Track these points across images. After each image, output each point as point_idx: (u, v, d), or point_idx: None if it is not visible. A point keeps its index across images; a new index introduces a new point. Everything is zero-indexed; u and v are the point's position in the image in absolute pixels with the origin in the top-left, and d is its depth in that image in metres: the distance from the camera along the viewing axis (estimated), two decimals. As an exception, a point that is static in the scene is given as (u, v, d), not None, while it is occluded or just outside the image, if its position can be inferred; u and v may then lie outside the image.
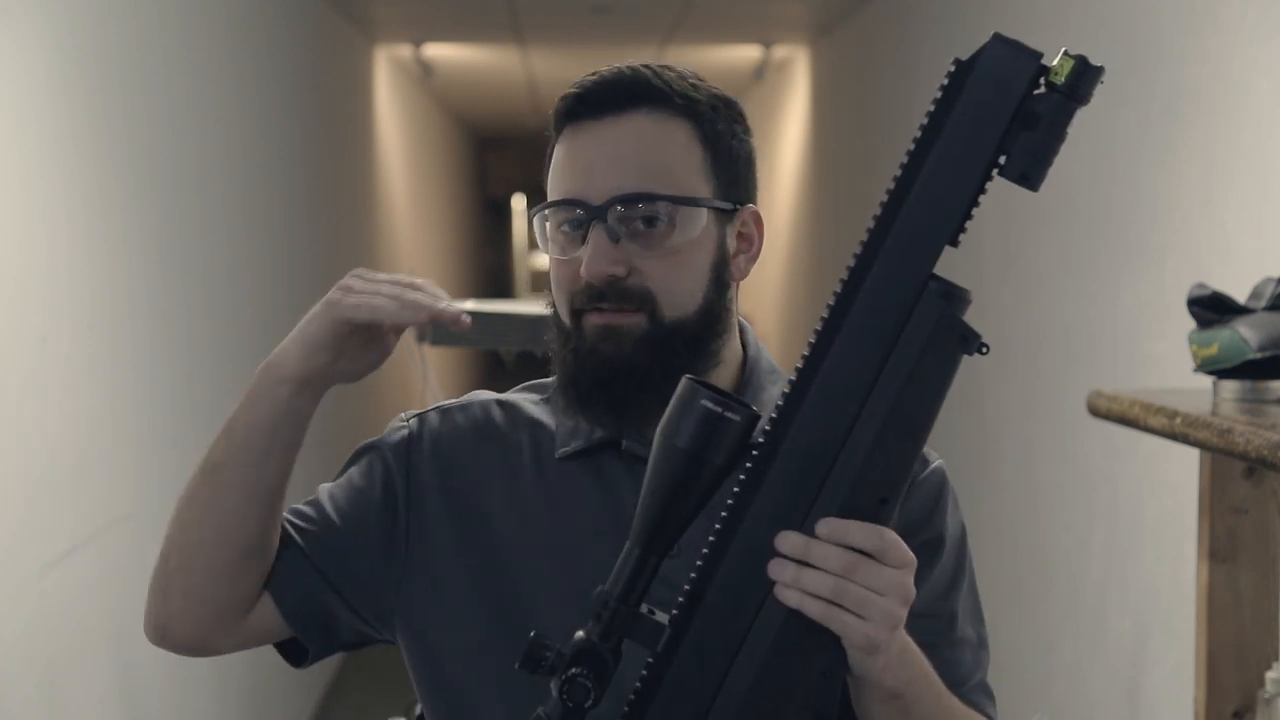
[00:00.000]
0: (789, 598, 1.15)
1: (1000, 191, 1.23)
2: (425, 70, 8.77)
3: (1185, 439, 1.93)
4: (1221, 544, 2.10)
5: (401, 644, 1.48)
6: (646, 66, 1.42)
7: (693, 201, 1.38)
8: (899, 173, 1.15)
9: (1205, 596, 2.10)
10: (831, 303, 1.16)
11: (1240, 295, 2.12)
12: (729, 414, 1.15)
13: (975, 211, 1.15)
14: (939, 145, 1.14)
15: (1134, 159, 3.26)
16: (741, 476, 1.17)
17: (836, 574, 1.14)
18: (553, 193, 1.41)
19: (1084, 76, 1.13)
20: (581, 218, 1.38)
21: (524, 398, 1.51)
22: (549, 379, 1.48)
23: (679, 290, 1.38)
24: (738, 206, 1.42)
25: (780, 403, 1.16)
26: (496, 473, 1.46)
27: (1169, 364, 2.85)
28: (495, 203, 17.01)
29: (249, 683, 4.40)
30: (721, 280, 1.41)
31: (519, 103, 10.64)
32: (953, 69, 1.14)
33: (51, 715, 2.80)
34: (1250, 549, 2.10)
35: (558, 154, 1.42)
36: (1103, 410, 2.19)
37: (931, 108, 1.14)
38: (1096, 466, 3.46)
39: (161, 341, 3.51)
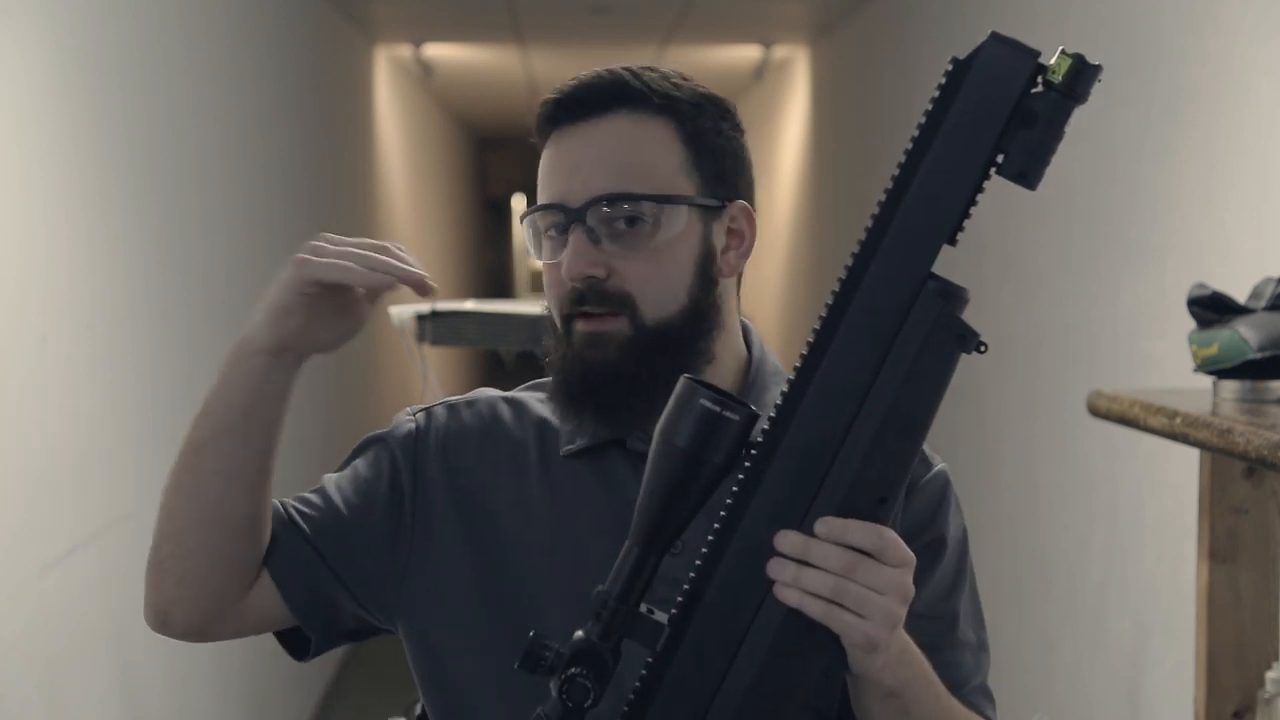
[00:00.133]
0: (788, 597, 1.15)
1: (1000, 191, 1.23)
2: (425, 70, 8.77)
3: (1185, 439, 1.93)
4: (1221, 544, 2.10)
5: (403, 639, 1.47)
6: (626, 68, 1.43)
7: (671, 199, 1.39)
8: (897, 172, 1.15)
9: (1205, 596, 2.10)
10: (830, 302, 1.16)
11: (1240, 295, 2.12)
12: (728, 413, 1.15)
13: (974, 210, 1.15)
14: (937, 144, 1.14)
15: (1134, 159, 3.25)
16: (740, 476, 1.17)
17: (836, 573, 1.14)
18: (539, 198, 1.43)
19: (1081, 75, 1.13)
20: (564, 221, 1.39)
21: (531, 396, 1.51)
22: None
23: (660, 290, 1.38)
24: (724, 203, 1.42)
25: (779, 402, 1.16)
26: (503, 471, 1.46)
27: (1169, 364, 2.85)
28: (495, 203, 17.01)
29: (249, 682, 4.40)
30: (708, 277, 1.41)
31: (519, 103, 10.64)
32: (950, 68, 1.14)
33: (51, 715, 2.80)
34: (1250, 549, 2.10)
35: (543, 159, 1.43)
36: (1103, 410, 2.19)
37: (929, 107, 1.14)
38: (1096, 466, 3.46)
39: (161, 341, 3.51)
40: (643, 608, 1.17)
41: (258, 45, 4.88)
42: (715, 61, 8.60)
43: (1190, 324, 2.14)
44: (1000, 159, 1.14)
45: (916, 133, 1.15)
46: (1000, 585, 4.03)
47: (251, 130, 4.73)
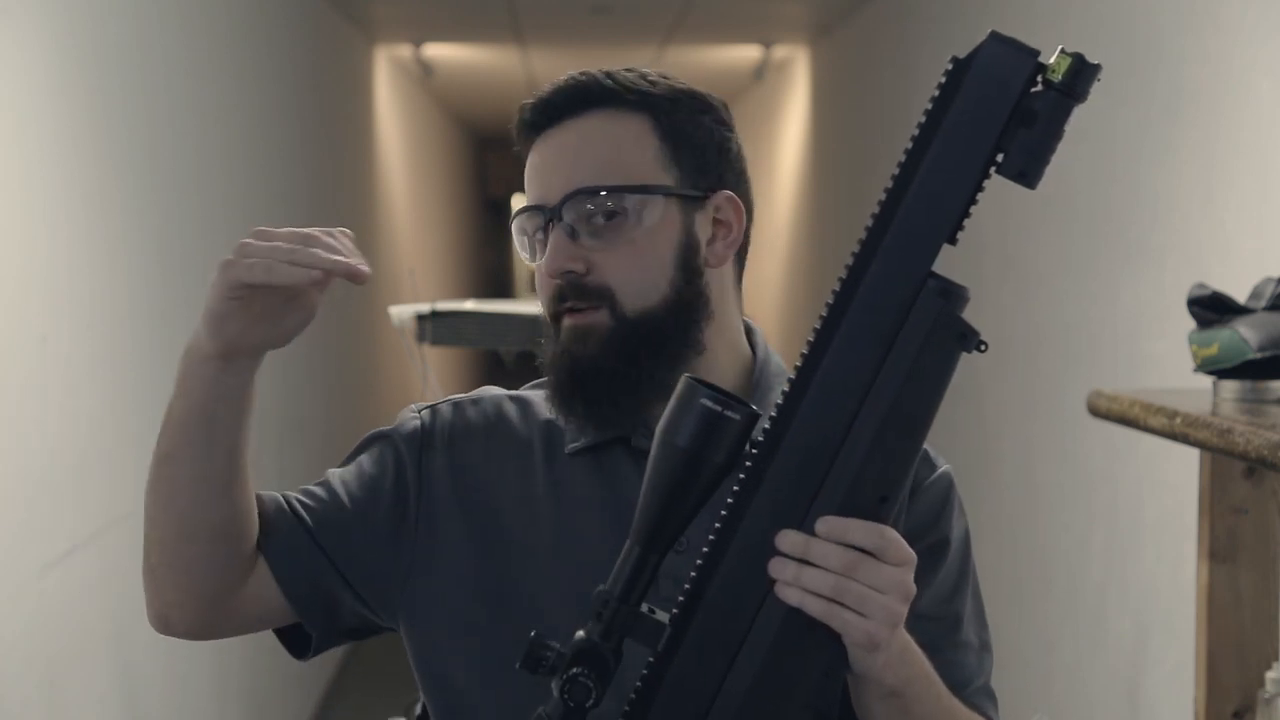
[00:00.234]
0: (789, 596, 1.15)
1: (1000, 190, 1.23)
2: (425, 70, 8.77)
3: (1185, 439, 1.93)
4: (1221, 544, 2.10)
5: (404, 637, 1.47)
6: (600, 71, 1.44)
7: (646, 189, 1.40)
8: (897, 171, 1.15)
9: (1205, 596, 2.10)
10: (830, 301, 1.16)
11: (1240, 295, 2.12)
12: (729, 413, 1.15)
13: (974, 210, 1.15)
14: (937, 143, 1.14)
15: (1134, 159, 3.26)
16: (741, 475, 1.17)
17: (837, 572, 1.14)
18: (525, 203, 1.45)
19: (1081, 74, 1.13)
20: (544, 221, 1.41)
21: (537, 395, 1.51)
22: None
23: (639, 282, 1.39)
24: (706, 193, 1.43)
25: (780, 401, 1.16)
26: (508, 469, 1.46)
27: (1169, 364, 2.85)
28: (495, 203, 17.01)
29: (249, 682, 4.40)
30: (691, 267, 1.41)
31: (519, 103, 10.62)
32: (950, 67, 1.14)
33: (51, 715, 2.80)
34: (1250, 549, 2.10)
35: (526, 166, 1.45)
36: (1103, 410, 2.19)
37: (929, 106, 1.14)
38: (1096, 466, 3.46)
39: (161, 341, 3.51)
40: (644, 607, 1.17)
41: (258, 45, 4.88)
42: (715, 61, 8.60)
43: (1190, 324, 2.14)
44: (1000, 158, 1.14)
45: (917, 132, 1.15)
46: (1000, 585, 4.03)
47: (251, 130, 4.73)
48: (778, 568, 1.15)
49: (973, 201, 1.14)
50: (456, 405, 1.50)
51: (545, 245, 1.41)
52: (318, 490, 1.46)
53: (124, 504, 3.18)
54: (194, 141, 3.95)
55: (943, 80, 1.14)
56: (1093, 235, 3.52)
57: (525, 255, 1.45)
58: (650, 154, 1.41)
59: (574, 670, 1.15)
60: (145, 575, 1.39)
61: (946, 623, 1.42)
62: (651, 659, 1.18)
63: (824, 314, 1.16)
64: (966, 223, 1.15)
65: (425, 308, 4.05)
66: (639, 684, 1.18)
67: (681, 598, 1.17)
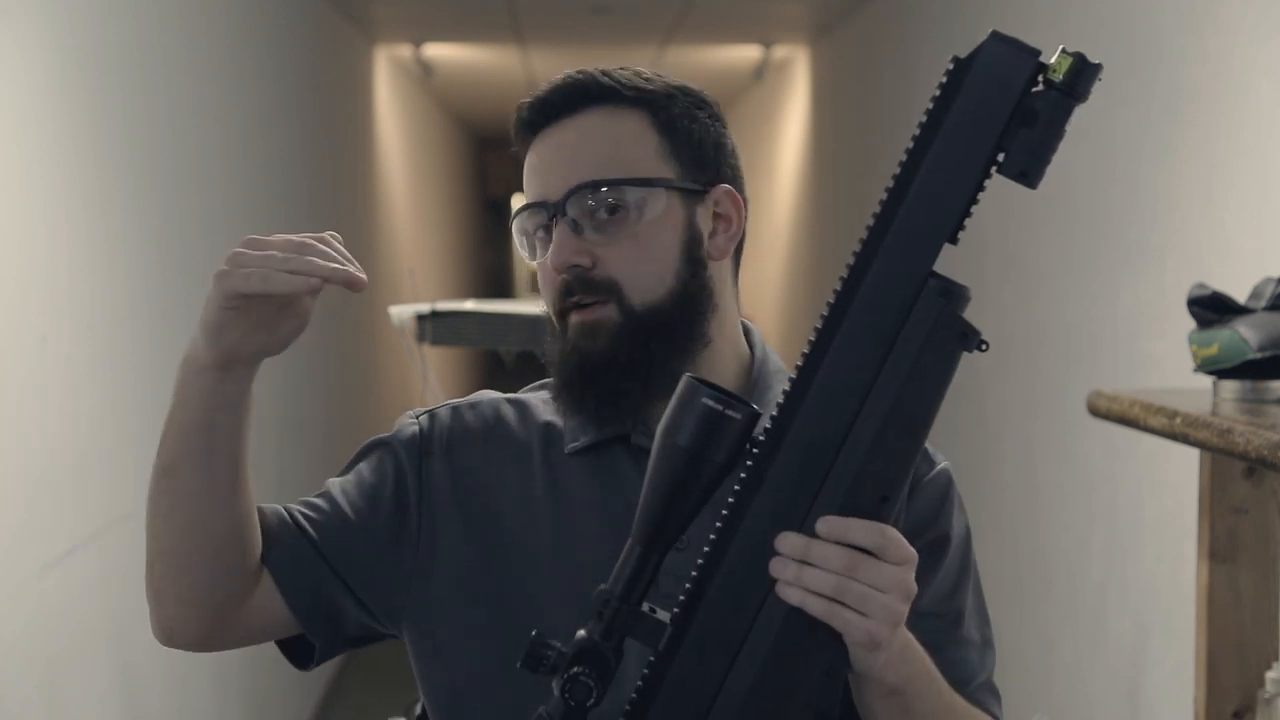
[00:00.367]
0: (790, 595, 1.15)
1: (1000, 190, 1.23)
2: (425, 70, 8.77)
3: (1185, 439, 1.93)
4: (1221, 544, 2.10)
5: (407, 641, 1.47)
6: (597, 69, 1.45)
7: (649, 182, 1.40)
8: (898, 171, 1.15)
9: (1205, 596, 2.10)
10: (831, 300, 1.16)
11: (1240, 295, 2.12)
12: (730, 412, 1.15)
13: (975, 210, 1.15)
14: (938, 143, 1.14)
15: (1134, 159, 3.26)
16: (742, 474, 1.17)
17: (838, 572, 1.14)
18: (525, 202, 1.45)
19: (1082, 74, 1.13)
20: (547, 217, 1.41)
21: (535, 397, 1.51)
22: None
23: (646, 274, 1.40)
24: (706, 187, 1.44)
25: (781, 400, 1.16)
26: (507, 472, 1.46)
27: (1169, 364, 2.85)
28: (495, 203, 17.00)
29: (249, 683, 4.40)
30: (695, 259, 1.42)
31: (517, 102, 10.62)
32: (951, 67, 1.14)
33: (51, 715, 2.80)
34: (1250, 549, 2.10)
35: (525, 166, 1.45)
36: (1103, 410, 2.19)
37: (930, 106, 1.14)
38: (1096, 466, 3.46)
39: (161, 341, 3.51)
40: (645, 606, 1.18)
41: (258, 45, 4.88)
42: (715, 61, 8.60)
43: (1190, 324, 2.14)
44: (1001, 158, 1.14)
45: (917, 132, 1.15)
46: (1000, 585, 4.03)
47: (251, 130, 4.73)
48: (779, 567, 1.15)
49: (974, 201, 1.14)
50: (454, 410, 1.51)
51: (547, 243, 1.42)
52: (319, 501, 1.46)
53: (124, 504, 3.18)
54: (194, 141, 3.95)
55: (944, 80, 1.14)
56: (1093, 235, 3.52)
57: (526, 254, 1.46)
58: (650, 149, 1.42)
59: (575, 669, 1.16)
60: (148, 588, 1.39)
61: (948, 619, 1.42)
62: (652, 658, 1.18)
63: (825, 313, 1.16)
64: (967, 222, 1.15)
65: (425, 308, 4.05)
66: (640, 683, 1.18)
67: (682, 597, 1.17)
